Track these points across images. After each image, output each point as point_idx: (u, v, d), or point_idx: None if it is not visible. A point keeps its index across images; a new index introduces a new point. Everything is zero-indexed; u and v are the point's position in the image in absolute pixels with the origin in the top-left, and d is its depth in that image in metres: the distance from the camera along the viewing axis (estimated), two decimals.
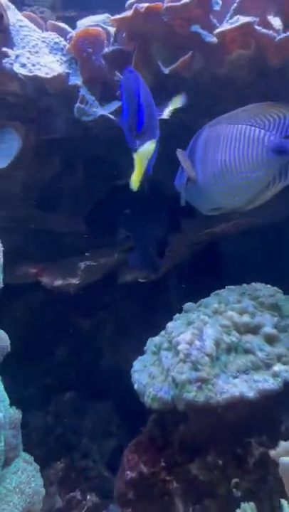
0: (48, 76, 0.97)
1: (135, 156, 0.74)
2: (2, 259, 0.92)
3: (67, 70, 1.00)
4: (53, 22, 1.17)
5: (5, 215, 1.22)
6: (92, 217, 1.39)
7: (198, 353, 0.76)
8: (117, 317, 1.42)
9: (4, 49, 0.98)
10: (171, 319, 0.95)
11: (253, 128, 0.88)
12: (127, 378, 1.29)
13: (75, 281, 1.09)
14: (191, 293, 1.12)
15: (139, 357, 0.91)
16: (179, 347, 0.79)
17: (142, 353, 1.30)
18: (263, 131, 0.88)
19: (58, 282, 1.10)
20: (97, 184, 1.39)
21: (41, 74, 0.98)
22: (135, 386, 0.85)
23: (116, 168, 1.39)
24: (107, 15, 1.39)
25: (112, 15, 1.38)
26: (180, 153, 0.94)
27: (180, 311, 1.00)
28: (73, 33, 1.07)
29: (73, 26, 1.26)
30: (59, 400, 1.40)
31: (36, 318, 1.40)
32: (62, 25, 1.15)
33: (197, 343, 0.77)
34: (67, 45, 1.02)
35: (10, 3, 1.05)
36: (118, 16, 0.91)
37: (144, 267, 1.28)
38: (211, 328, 0.79)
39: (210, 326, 0.79)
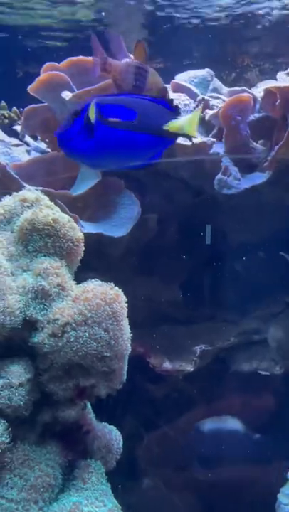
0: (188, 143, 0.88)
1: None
2: (130, 349, 0.81)
3: (211, 138, 0.91)
4: (177, 81, 1.10)
5: (106, 280, 1.12)
6: (189, 285, 1.27)
7: None
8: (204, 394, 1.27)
9: None
10: None
11: None
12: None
13: (189, 368, 0.95)
14: None
15: (284, 489, 0.75)
16: None
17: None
18: None
19: (167, 366, 0.97)
20: (197, 249, 1.28)
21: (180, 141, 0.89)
22: None
23: (216, 233, 1.29)
24: (207, 70, 1.32)
25: (198, 66, 1.31)
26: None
27: None
28: (199, 96, 0.99)
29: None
30: (137, 490, 1.25)
31: None
32: (188, 85, 1.08)
33: None
34: (211, 112, 0.94)
35: None
36: (284, 84, 0.82)
37: None
38: None
39: None
